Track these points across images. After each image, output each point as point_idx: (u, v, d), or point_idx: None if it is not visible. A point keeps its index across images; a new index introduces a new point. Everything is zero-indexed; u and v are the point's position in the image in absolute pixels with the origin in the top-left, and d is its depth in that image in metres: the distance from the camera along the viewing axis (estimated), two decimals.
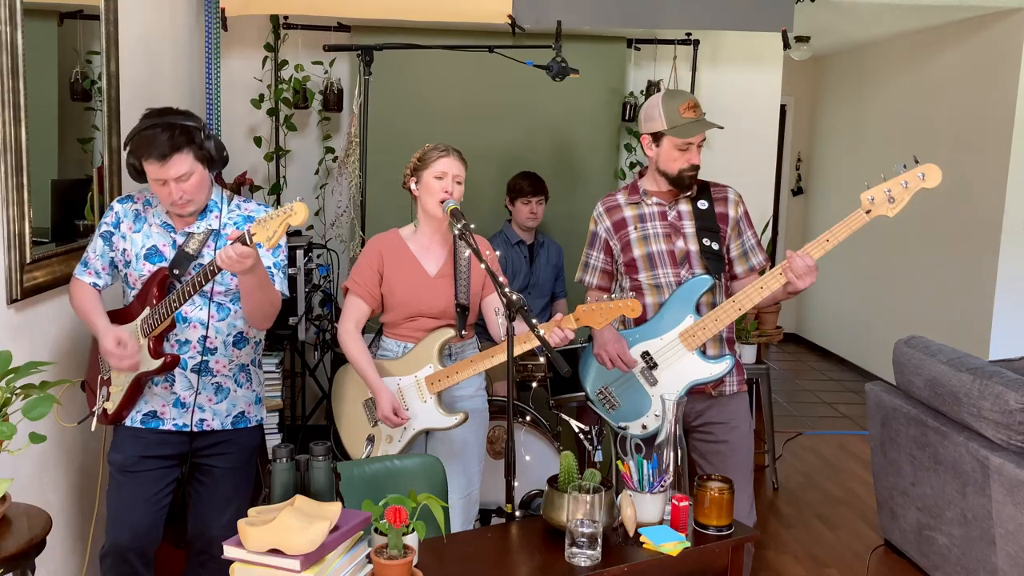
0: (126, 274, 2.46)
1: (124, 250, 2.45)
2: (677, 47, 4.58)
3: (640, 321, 2.76)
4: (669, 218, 2.76)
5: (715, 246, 2.73)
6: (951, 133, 5.79)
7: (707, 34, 4.60)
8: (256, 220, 2.11)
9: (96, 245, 2.47)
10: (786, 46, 4.31)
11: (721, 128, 2.76)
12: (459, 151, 2.74)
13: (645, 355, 2.73)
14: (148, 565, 2.54)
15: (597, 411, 2.88)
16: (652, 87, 4.57)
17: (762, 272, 2.80)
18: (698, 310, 2.69)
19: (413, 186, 2.74)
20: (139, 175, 2.37)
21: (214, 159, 2.40)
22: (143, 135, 2.29)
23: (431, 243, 2.79)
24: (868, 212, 2.49)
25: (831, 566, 3.67)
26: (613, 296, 2.50)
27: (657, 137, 2.71)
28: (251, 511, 1.70)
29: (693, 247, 2.73)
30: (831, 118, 7.69)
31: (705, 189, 2.81)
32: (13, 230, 2.36)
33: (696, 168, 2.71)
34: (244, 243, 2.12)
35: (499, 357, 2.61)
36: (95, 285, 2.47)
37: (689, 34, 4.55)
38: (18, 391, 1.93)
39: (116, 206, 2.48)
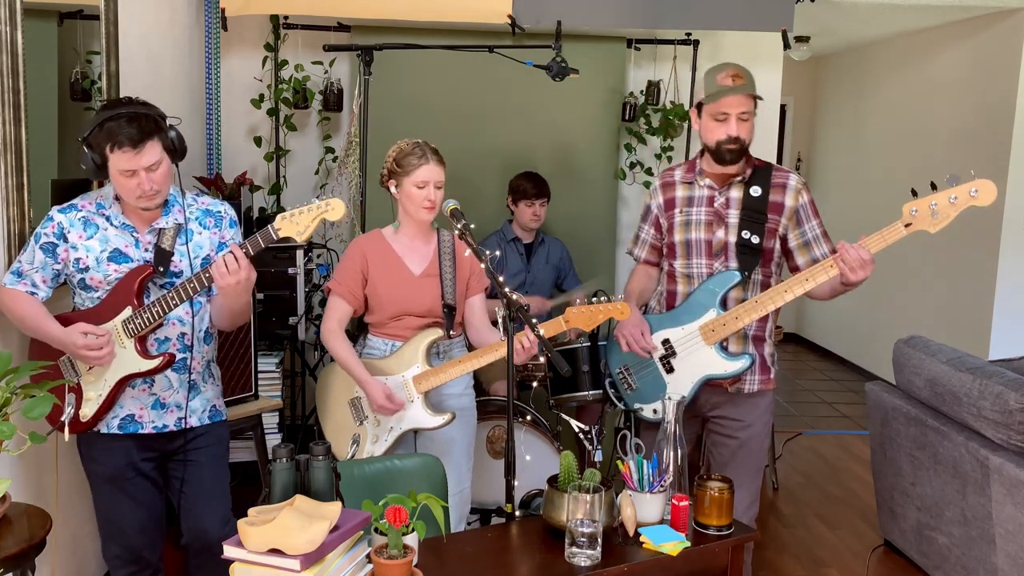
0: (83, 279, 2.32)
1: (78, 259, 2.30)
2: (677, 47, 4.58)
3: (669, 307, 2.75)
4: (716, 204, 2.67)
5: (754, 239, 2.63)
6: (951, 133, 5.79)
7: (707, 34, 4.60)
8: (283, 215, 2.06)
9: (33, 256, 2.30)
10: (786, 46, 4.31)
11: (760, 99, 2.58)
12: (438, 153, 2.71)
13: (665, 343, 2.71)
14: (159, 559, 2.58)
15: (615, 388, 2.86)
16: (652, 87, 4.57)
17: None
18: (725, 304, 2.63)
19: (393, 188, 2.74)
20: (99, 169, 2.24)
21: (177, 150, 2.31)
22: (109, 126, 2.18)
23: (414, 243, 2.79)
24: (908, 226, 2.32)
25: (831, 566, 3.67)
26: (601, 299, 2.50)
27: (700, 109, 2.63)
28: (251, 511, 1.69)
29: (732, 238, 2.65)
30: (831, 118, 7.69)
31: (764, 174, 2.67)
32: (13, 230, 2.36)
33: (735, 141, 2.55)
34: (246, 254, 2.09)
35: (487, 358, 2.62)
36: (34, 295, 2.31)
37: (689, 34, 4.54)
38: (18, 391, 1.93)
39: (58, 216, 2.31)
